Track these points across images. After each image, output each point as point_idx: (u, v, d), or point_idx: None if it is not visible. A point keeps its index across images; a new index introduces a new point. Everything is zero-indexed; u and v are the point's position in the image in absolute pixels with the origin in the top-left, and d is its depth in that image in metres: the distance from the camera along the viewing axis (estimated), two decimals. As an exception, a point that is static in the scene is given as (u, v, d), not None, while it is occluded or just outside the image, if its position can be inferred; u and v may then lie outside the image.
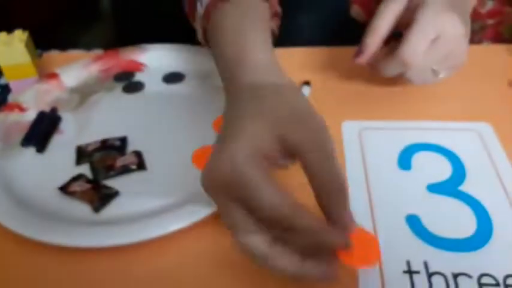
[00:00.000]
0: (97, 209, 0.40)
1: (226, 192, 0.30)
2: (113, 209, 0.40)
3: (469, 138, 0.46)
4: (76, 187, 0.42)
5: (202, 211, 0.38)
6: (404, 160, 0.44)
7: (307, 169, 0.30)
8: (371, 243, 0.31)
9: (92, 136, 0.48)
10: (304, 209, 0.29)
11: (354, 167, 0.44)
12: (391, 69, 0.48)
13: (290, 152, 0.31)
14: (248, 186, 0.29)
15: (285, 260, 0.29)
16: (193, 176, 0.42)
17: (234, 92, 0.36)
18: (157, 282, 0.35)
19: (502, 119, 0.49)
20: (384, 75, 0.49)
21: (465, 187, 0.41)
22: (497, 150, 0.45)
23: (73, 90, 0.54)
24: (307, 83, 0.53)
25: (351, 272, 0.35)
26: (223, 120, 0.35)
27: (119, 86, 0.55)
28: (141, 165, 0.44)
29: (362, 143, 0.46)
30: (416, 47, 0.43)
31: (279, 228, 0.29)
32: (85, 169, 0.44)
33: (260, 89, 0.34)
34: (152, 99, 0.53)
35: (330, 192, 0.29)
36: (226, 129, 0.33)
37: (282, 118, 0.31)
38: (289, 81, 0.36)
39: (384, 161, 0.44)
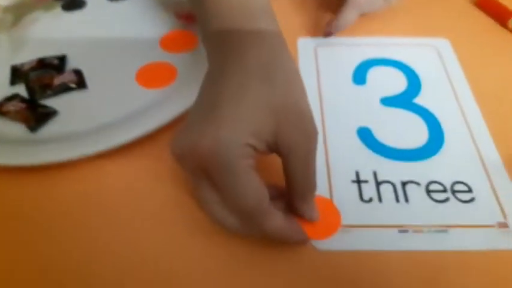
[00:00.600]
0: (33, 128, 0.37)
1: (201, 169, 0.28)
2: (51, 128, 0.38)
3: (426, 54, 0.45)
4: (10, 107, 0.39)
5: (144, 127, 0.36)
6: (359, 75, 0.43)
7: (289, 170, 0.29)
8: (329, 210, 0.32)
9: (28, 57, 0.44)
10: (274, 212, 0.29)
11: (308, 82, 0.41)
12: (348, 19, 0.46)
13: (276, 148, 0.28)
14: (228, 177, 0.27)
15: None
16: (136, 93, 0.40)
17: (242, 52, 0.30)
18: (97, 199, 0.34)
19: (461, 35, 0.48)
20: (344, 28, 0.47)
21: (419, 100, 0.40)
22: (454, 65, 0.44)
23: (6, 10, 0.50)
24: (261, 0, 0.50)
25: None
26: (211, 73, 0.30)
27: (58, 5, 0.50)
28: (81, 84, 0.41)
29: (317, 59, 0.45)
30: None
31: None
32: (21, 89, 0.41)
33: (272, 71, 0.29)
34: (94, 17, 0.49)
35: (304, 193, 0.30)
36: (220, 98, 0.28)
37: (284, 115, 0.28)
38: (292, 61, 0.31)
39: (338, 76, 0.43)
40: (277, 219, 0.29)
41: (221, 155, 0.27)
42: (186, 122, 0.29)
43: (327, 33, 0.46)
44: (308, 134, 0.28)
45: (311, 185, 0.30)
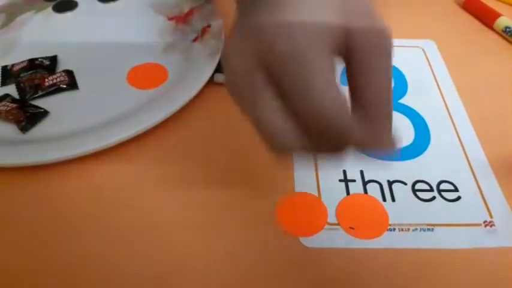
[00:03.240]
0: (24, 128, 0.37)
1: (266, 72, 0.22)
2: (42, 129, 0.38)
3: (412, 55, 0.46)
4: (0, 107, 0.39)
5: (135, 128, 0.36)
6: (345, 76, 0.43)
7: (358, 81, 0.23)
8: (318, 207, 0.32)
9: (19, 57, 0.44)
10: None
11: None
12: None
13: (345, 51, 0.23)
14: (306, 78, 0.21)
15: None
16: (128, 94, 0.41)
17: None
18: (89, 199, 0.34)
19: (448, 37, 0.48)
20: None
21: (405, 100, 0.41)
22: (440, 66, 0.45)
23: (-2, 10, 0.50)
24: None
25: (287, 175, 0.35)
26: None
27: (50, 6, 0.50)
28: (72, 84, 0.41)
29: (306, 61, 0.45)
30: None
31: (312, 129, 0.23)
32: (11, 90, 0.41)
33: None
34: (86, 18, 0.49)
35: (378, 110, 0.23)
36: None
37: (352, 8, 0.23)
38: None
39: (328, 77, 0.43)
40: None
41: (295, 44, 0.21)
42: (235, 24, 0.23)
43: None
44: (382, 31, 0.23)
45: (387, 100, 0.23)
